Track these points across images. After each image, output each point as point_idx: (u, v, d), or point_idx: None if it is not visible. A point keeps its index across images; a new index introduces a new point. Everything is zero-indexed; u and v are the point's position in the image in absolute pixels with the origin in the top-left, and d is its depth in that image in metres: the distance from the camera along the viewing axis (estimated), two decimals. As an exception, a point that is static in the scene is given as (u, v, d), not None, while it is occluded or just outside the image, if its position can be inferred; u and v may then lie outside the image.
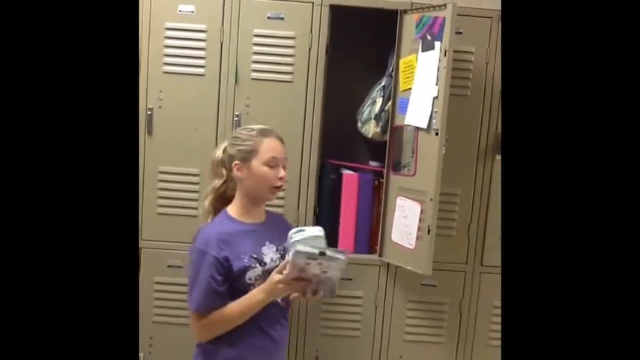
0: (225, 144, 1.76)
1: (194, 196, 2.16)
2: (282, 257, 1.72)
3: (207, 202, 1.78)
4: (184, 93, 2.12)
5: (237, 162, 1.70)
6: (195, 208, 2.15)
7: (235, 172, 1.71)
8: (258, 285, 1.67)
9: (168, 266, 2.17)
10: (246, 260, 1.66)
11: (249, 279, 1.67)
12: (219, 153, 1.76)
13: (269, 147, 1.70)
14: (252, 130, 1.73)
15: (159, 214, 2.15)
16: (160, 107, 2.12)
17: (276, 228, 1.79)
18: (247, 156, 1.70)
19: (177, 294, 2.18)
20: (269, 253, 1.72)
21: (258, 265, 1.68)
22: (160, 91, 2.11)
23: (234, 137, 1.74)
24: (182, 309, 2.19)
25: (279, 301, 1.73)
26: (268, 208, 1.84)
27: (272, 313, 1.71)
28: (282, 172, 1.72)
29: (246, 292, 1.66)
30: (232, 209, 1.74)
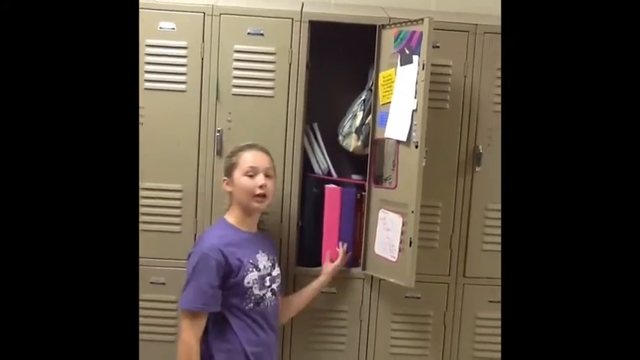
0: None
1: (176, 212, 2.15)
2: (273, 266, 1.95)
3: None
4: (166, 109, 2.13)
5: (224, 178, 1.93)
6: (178, 224, 2.15)
7: (225, 187, 1.93)
8: (255, 288, 1.86)
9: (151, 283, 2.16)
10: (245, 265, 1.84)
11: (248, 282, 1.85)
12: None
13: (247, 159, 1.89)
14: (237, 147, 1.95)
15: (141, 230, 2.14)
16: (141, 124, 2.12)
17: (264, 240, 2.00)
18: (230, 170, 1.91)
19: (160, 311, 2.17)
20: (262, 261, 1.91)
21: (255, 270, 1.87)
22: (142, 108, 2.12)
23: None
24: (166, 326, 2.18)
25: (272, 302, 1.92)
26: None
27: (267, 313, 1.90)
28: (261, 180, 1.87)
29: (244, 294, 1.84)
30: (230, 217, 1.93)
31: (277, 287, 1.96)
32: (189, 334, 1.80)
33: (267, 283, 1.90)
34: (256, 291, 1.86)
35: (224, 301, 1.82)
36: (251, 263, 1.86)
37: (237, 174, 1.88)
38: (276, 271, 1.97)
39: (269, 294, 1.91)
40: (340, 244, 2.18)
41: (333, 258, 2.16)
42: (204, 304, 1.79)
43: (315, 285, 2.12)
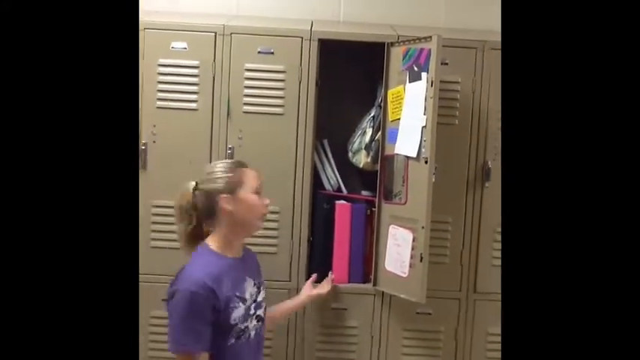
0: (190, 186, 1.74)
1: (188, 228, 2.17)
2: (259, 291, 1.82)
3: (181, 246, 1.82)
4: (178, 128, 2.15)
5: (224, 195, 1.71)
6: (190, 241, 2.17)
7: (224, 206, 1.70)
8: (240, 323, 1.71)
9: (163, 300, 2.16)
10: (232, 300, 1.70)
11: (234, 320, 1.70)
12: (187, 198, 1.74)
13: (252, 176, 1.77)
14: (228, 163, 1.79)
15: (152, 247, 2.16)
16: (153, 142, 2.14)
17: (251, 263, 1.87)
18: (234, 187, 1.72)
19: (172, 327, 2.18)
20: (248, 288, 1.77)
21: (241, 304, 1.72)
22: (154, 126, 2.14)
23: (211, 173, 1.75)
24: (177, 343, 2.19)
25: (257, 329, 1.79)
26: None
27: (249, 344, 1.76)
28: (267, 200, 1.79)
29: (227, 331, 1.69)
30: (214, 243, 1.75)
31: (263, 312, 1.82)
32: None
33: (252, 312, 1.76)
34: (240, 325, 1.71)
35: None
36: (237, 297, 1.71)
37: (245, 192, 1.73)
38: (262, 296, 1.83)
39: (254, 322, 1.77)
40: (330, 273, 2.17)
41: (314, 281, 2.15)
42: (201, 345, 1.64)
43: (291, 304, 2.08)
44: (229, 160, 1.87)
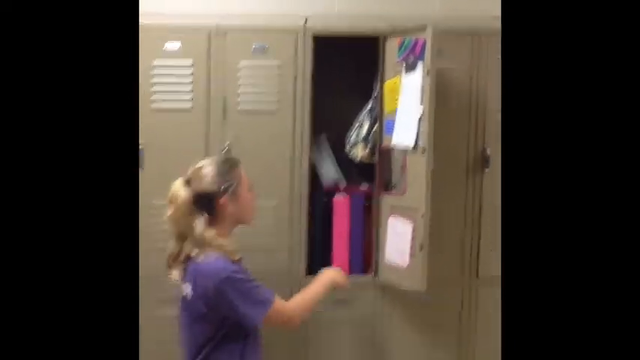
0: (183, 192, 1.70)
1: (189, 228, 2.16)
2: None
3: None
4: (173, 128, 2.15)
5: (226, 197, 1.71)
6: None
7: (228, 207, 1.72)
8: None
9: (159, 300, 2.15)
10: None
11: None
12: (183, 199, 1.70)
13: (243, 174, 1.77)
14: (224, 163, 1.77)
15: (151, 248, 2.14)
16: (150, 143, 2.13)
17: None
18: (236, 188, 1.73)
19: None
20: None
21: None
22: (150, 127, 2.13)
23: (211, 176, 1.72)
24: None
25: None
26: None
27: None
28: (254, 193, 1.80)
29: None
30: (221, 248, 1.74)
31: None
32: (285, 306, 1.74)
33: None
34: None
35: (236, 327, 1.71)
36: None
37: (243, 190, 1.76)
38: None
39: None
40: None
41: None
42: (271, 294, 1.71)
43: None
44: (220, 159, 1.82)
